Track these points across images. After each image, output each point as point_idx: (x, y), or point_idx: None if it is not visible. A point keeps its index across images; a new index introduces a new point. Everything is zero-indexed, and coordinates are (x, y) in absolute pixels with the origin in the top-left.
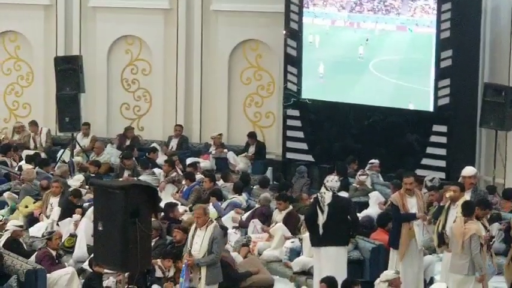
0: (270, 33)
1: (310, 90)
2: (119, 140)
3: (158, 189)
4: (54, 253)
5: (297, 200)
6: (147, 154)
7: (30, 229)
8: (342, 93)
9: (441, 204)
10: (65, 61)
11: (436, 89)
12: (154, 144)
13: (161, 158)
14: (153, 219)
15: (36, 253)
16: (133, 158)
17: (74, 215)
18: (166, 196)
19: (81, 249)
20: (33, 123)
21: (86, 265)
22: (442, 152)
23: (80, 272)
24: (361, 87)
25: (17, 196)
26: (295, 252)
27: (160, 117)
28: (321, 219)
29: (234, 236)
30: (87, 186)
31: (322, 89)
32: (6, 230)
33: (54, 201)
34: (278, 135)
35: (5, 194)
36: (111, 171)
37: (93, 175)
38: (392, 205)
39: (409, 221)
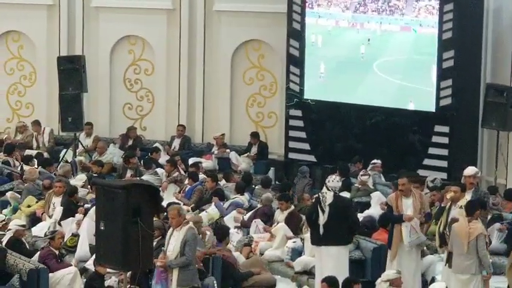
0: (272, 33)
1: (313, 91)
2: (121, 140)
3: (161, 189)
4: (56, 252)
5: (299, 200)
6: (149, 154)
7: (33, 229)
8: (344, 94)
9: (442, 205)
10: (68, 61)
11: (438, 89)
12: (156, 144)
13: (163, 158)
14: (155, 219)
15: (39, 252)
16: (136, 158)
17: (76, 215)
18: (169, 196)
19: (83, 248)
20: (36, 123)
21: (88, 264)
22: (444, 152)
23: (82, 271)
24: (364, 87)
25: (19, 196)
26: (297, 252)
27: (163, 117)
28: (322, 219)
29: (236, 235)
30: (89, 186)
31: (325, 89)
32: (8, 230)
33: (57, 200)
34: (280, 135)
35: (8, 194)
36: (114, 171)
37: (96, 175)
38: (388, 205)
39: (398, 223)
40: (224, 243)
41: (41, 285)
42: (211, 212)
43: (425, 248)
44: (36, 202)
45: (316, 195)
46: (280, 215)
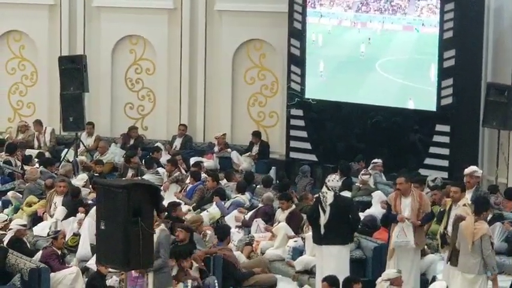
0: (273, 33)
1: (314, 90)
2: (122, 140)
3: (162, 188)
4: (59, 252)
5: (302, 199)
6: (150, 154)
7: (34, 228)
8: (345, 93)
9: (441, 209)
10: (69, 60)
11: (439, 88)
12: (158, 144)
13: (165, 158)
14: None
15: (41, 252)
16: (138, 158)
17: (77, 214)
18: (170, 195)
19: (84, 248)
20: (38, 123)
21: (89, 264)
22: (445, 151)
23: (84, 270)
24: (365, 87)
25: (21, 195)
26: (298, 252)
27: (164, 117)
28: (323, 219)
29: (237, 235)
30: (90, 186)
31: (326, 88)
32: (10, 229)
33: (58, 200)
34: (282, 134)
35: (9, 194)
36: (115, 170)
37: (97, 174)
38: (387, 204)
39: (394, 222)
40: (225, 243)
41: (42, 284)
42: (212, 211)
43: (425, 247)
44: (38, 201)
45: (317, 195)
46: (281, 215)
